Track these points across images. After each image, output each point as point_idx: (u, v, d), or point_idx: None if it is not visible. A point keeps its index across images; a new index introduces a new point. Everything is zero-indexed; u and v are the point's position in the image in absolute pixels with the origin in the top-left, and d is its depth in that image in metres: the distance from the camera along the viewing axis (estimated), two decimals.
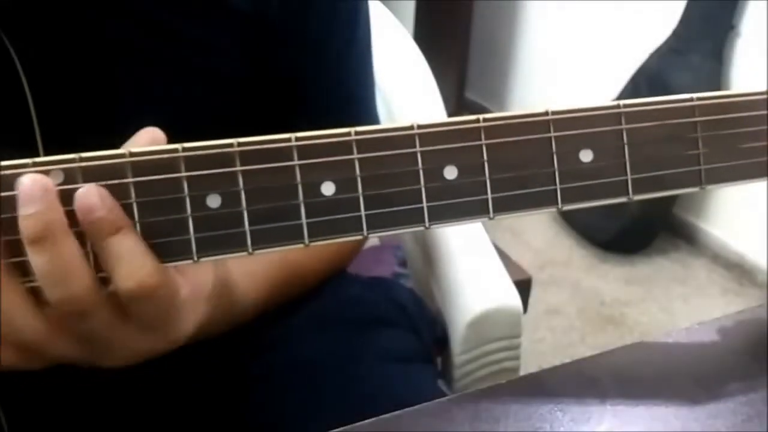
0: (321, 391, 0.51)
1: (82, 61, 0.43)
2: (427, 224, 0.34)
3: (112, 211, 0.31)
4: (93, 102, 0.43)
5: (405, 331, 0.58)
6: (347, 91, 0.53)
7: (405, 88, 0.79)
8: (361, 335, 0.54)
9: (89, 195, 0.31)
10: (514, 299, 0.65)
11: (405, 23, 1.90)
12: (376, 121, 0.56)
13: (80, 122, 0.34)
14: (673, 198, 1.87)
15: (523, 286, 0.78)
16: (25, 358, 0.33)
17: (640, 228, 1.86)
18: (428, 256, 0.70)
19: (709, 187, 0.36)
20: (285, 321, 0.54)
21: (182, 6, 0.44)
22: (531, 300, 0.91)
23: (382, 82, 0.79)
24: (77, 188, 0.31)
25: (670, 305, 1.72)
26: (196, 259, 0.32)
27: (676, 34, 1.75)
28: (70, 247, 0.31)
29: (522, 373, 0.69)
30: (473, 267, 0.67)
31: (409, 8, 2.21)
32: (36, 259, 0.30)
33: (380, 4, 0.84)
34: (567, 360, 0.42)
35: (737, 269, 1.80)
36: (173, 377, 0.52)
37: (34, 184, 0.30)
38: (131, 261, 0.31)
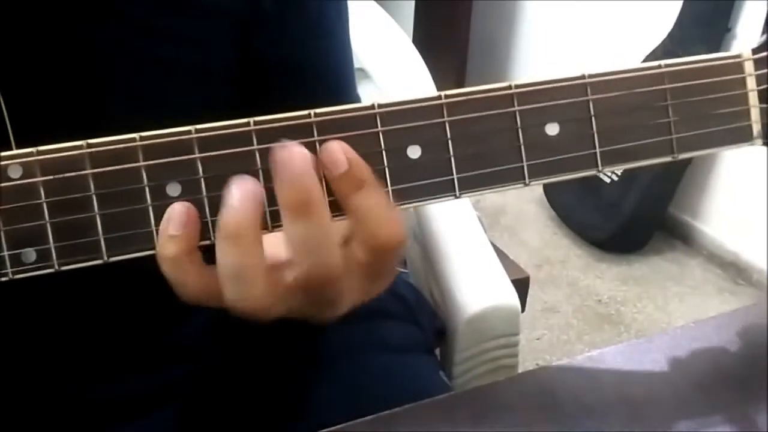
0: (322, 383, 0.51)
1: (67, 63, 0.42)
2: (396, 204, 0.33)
3: (355, 167, 0.31)
4: (79, 105, 0.43)
5: (405, 322, 0.58)
6: (336, 74, 0.52)
7: (404, 90, 0.80)
8: (362, 326, 0.55)
9: (334, 151, 0.31)
10: (512, 298, 0.65)
11: (404, 24, 1.90)
12: (359, 101, 0.55)
13: (67, 126, 0.34)
14: (669, 198, 1.88)
15: (521, 285, 0.78)
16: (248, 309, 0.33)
17: (636, 228, 1.87)
18: (427, 255, 0.70)
19: (682, 156, 0.35)
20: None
21: (170, 2, 0.44)
22: (529, 298, 0.92)
23: (380, 84, 0.79)
24: (36, 181, 0.31)
25: (666, 304, 1.72)
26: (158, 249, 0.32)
27: (672, 36, 1.75)
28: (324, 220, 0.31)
29: (520, 370, 0.70)
30: (471, 266, 0.67)
31: (409, 9, 2.21)
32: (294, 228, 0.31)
33: (377, 5, 0.84)
34: (564, 358, 0.42)
35: (732, 268, 1.80)
36: (175, 375, 0.52)
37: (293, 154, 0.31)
38: (378, 216, 0.32)
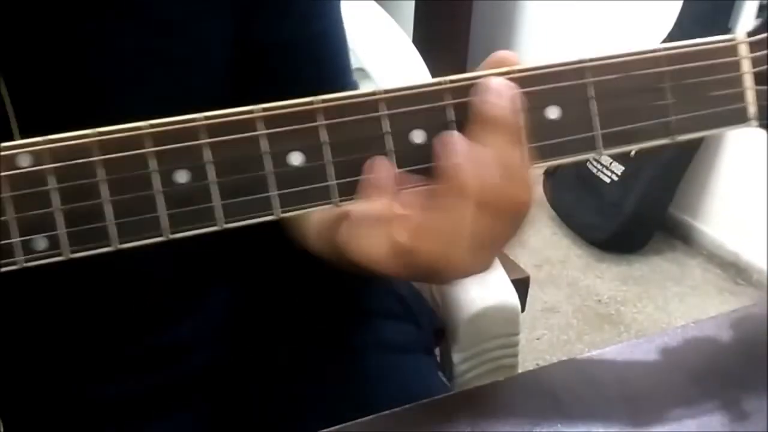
0: (321, 382, 0.51)
1: (66, 58, 0.42)
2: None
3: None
4: (79, 98, 0.43)
5: (405, 321, 0.58)
6: (333, 55, 0.52)
7: None
8: (362, 326, 0.55)
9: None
10: (512, 297, 0.65)
11: (404, 24, 1.90)
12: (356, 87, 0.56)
13: (68, 119, 0.35)
14: (669, 198, 1.88)
15: (521, 285, 0.78)
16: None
17: (636, 228, 1.87)
18: None
19: (680, 138, 0.35)
20: (284, 313, 0.54)
21: None
22: (529, 298, 0.92)
23: (380, 84, 0.79)
24: (45, 169, 0.31)
25: (666, 304, 1.72)
26: (168, 236, 0.32)
27: (672, 36, 1.75)
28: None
29: (520, 370, 0.70)
30: None
31: (409, 9, 2.21)
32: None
33: (377, 5, 0.84)
34: (564, 358, 0.42)
35: (732, 268, 1.80)
36: (175, 377, 0.52)
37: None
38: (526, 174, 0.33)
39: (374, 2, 0.85)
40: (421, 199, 0.33)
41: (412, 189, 0.33)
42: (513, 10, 2.23)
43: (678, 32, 1.74)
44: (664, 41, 1.87)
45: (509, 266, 0.71)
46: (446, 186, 0.32)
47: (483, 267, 0.35)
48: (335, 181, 0.33)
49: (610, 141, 0.35)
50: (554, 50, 2.13)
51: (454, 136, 0.33)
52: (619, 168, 1.86)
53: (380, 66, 0.80)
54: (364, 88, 0.58)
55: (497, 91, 0.33)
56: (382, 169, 0.33)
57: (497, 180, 0.32)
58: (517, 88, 0.33)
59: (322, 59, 0.51)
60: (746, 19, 1.66)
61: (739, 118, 0.36)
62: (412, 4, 2.21)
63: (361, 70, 0.76)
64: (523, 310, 0.69)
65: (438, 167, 0.33)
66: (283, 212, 0.33)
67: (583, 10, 2.01)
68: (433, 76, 0.84)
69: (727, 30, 1.68)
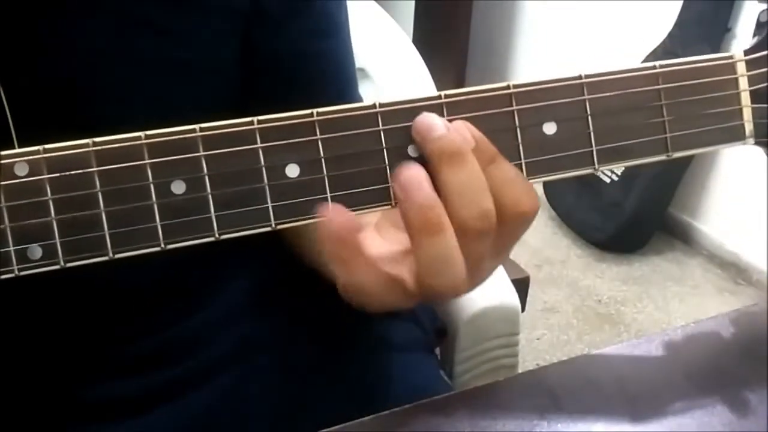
0: (322, 381, 0.51)
1: (65, 61, 0.42)
2: (393, 203, 0.34)
3: (482, 142, 0.33)
4: (78, 103, 0.43)
5: (406, 320, 0.58)
6: (338, 73, 0.52)
7: (404, 90, 0.80)
8: (363, 325, 0.55)
9: (460, 129, 0.32)
10: (512, 297, 0.66)
11: (404, 24, 1.91)
12: (360, 100, 0.55)
13: (67, 125, 0.34)
14: (669, 198, 1.88)
15: (521, 285, 0.79)
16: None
17: (636, 228, 1.87)
18: None
19: (676, 154, 0.36)
20: (284, 311, 0.54)
21: (171, 1, 0.43)
22: (529, 298, 0.92)
23: (380, 84, 0.79)
24: (42, 179, 0.31)
25: (666, 304, 1.72)
26: (163, 246, 0.32)
27: (672, 36, 1.75)
28: (477, 166, 0.32)
29: (520, 370, 0.70)
30: None
31: (409, 9, 2.22)
32: (452, 177, 0.32)
33: (377, 5, 0.84)
34: (564, 358, 0.42)
35: (732, 268, 1.81)
36: (171, 372, 0.52)
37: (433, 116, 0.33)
38: (518, 184, 0.33)
39: (374, 2, 0.85)
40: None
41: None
42: (513, 10, 2.23)
43: (678, 32, 1.75)
44: (664, 41, 1.89)
45: (509, 266, 0.71)
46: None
47: (486, 278, 0.36)
48: (330, 194, 0.33)
49: (606, 157, 0.35)
50: (554, 50, 2.13)
51: (420, 173, 0.32)
52: (619, 168, 1.86)
53: (380, 66, 0.80)
54: (364, 88, 0.59)
55: (441, 126, 0.32)
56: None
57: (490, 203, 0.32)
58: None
59: (328, 73, 0.51)
60: (746, 19, 1.66)
61: (735, 135, 0.36)
62: (412, 4, 2.22)
63: (361, 70, 0.76)
64: (523, 310, 0.69)
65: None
66: (279, 224, 0.33)
67: (583, 11, 2.01)
68: (433, 76, 0.85)
69: (726, 30, 1.69)
